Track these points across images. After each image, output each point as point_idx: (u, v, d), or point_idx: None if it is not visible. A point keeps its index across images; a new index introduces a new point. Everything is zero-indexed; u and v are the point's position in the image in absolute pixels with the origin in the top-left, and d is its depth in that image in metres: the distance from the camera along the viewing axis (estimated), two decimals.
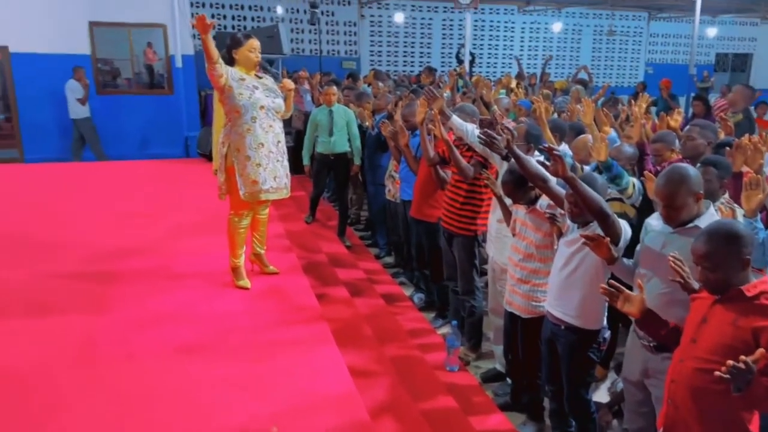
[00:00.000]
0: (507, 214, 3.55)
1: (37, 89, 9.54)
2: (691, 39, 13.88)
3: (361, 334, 3.81)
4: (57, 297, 3.84)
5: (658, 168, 3.97)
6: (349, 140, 6.11)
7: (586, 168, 4.00)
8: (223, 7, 15.17)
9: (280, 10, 15.32)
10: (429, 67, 12.32)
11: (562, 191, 3.02)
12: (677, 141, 4.31)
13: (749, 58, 20.47)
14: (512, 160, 3.31)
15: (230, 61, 3.79)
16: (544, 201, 3.22)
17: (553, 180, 2.99)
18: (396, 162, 5.38)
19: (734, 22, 19.65)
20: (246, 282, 3.99)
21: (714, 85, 14.78)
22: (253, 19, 15.19)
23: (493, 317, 3.97)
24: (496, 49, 18.04)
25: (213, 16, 14.94)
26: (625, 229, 2.64)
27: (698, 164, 3.23)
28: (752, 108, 6.62)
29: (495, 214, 3.82)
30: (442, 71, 14.65)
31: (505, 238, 3.66)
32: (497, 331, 3.89)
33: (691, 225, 2.37)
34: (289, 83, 3.93)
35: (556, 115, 5.85)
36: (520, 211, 3.34)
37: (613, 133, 4.76)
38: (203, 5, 14.95)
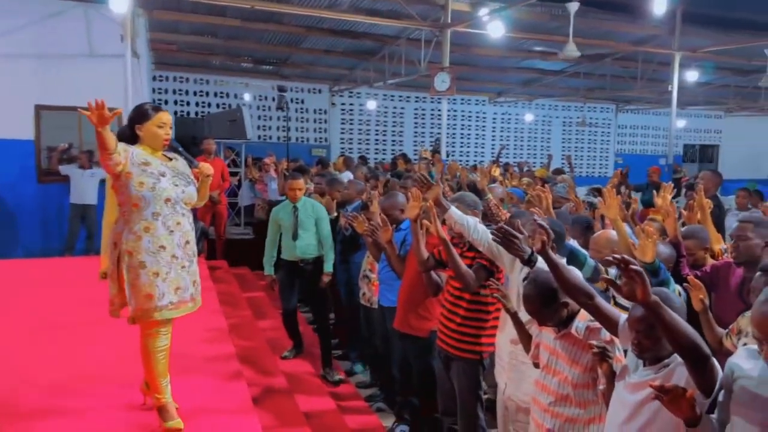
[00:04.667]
0: (524, 336, 2.72)
1: None
2: (666, 130, 13.90)
3: None
4: None
5: (698, 273, 3.27)
6: (320, 241, 4.99)
7: (612, 272, 3.26)
8: (186, 93, 14.56)
9: (247, 96, 14.78)
10: (404, 154, 11.82)
11: (613, 310, 2.23)
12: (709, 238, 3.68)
13: (715, 149, 20.80)
14: (535, 266, 2.54)
15: (132, 138, 2.94)
16: (580, 322, 2.41)
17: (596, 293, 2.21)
18: (374, 260, 4.55)
19: (700, 114, 20.05)
20: (177, 423, 3.00)
21: (687, 175, 14.81)
22: (218, 106, 14.52)
23: None
24: (468, 138, 17.90)
25: (175, 103, 14.30)
26: (720, 372, 1.83)
27: (758, 272, 2.60)
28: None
29: (505, 332, 2.99)
30: (415, 160, 14.18)
31: (523, 366, 2.81)
32: None
33: None
34: (207, 168, 3.06)
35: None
36: (546, 336, 2.51)
37: (627, 228, 4.06)
38: (165, 91, 14.33)
